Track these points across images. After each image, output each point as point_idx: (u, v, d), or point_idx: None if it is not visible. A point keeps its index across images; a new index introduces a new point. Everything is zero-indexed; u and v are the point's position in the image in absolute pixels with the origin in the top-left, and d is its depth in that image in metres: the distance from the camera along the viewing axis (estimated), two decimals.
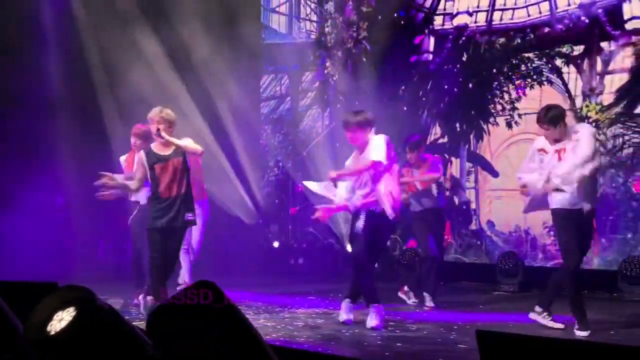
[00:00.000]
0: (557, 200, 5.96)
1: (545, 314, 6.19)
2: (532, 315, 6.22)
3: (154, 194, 6.45)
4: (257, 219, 11.33)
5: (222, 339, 1.72)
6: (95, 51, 9.49)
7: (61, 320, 1.76)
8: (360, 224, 6.23)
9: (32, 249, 8.80)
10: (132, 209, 7.51)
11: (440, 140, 10.24)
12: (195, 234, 7.69)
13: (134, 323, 1.98)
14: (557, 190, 5.90)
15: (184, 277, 7.69)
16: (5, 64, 9.02)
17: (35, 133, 9.23)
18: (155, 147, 6.55)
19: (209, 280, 1.80)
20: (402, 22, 10.50)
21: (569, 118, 9.04)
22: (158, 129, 6.43)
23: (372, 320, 6.16)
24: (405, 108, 10.21)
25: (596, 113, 8.79)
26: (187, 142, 6.64)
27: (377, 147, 6.16)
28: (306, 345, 5.38)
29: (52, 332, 1.76)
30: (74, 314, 1.76)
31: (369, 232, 6.22)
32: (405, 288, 7.90)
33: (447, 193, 9.72)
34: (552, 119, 5.93)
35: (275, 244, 11.65)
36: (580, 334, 5.88)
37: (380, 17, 10.71)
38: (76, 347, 1.74)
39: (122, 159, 7.75)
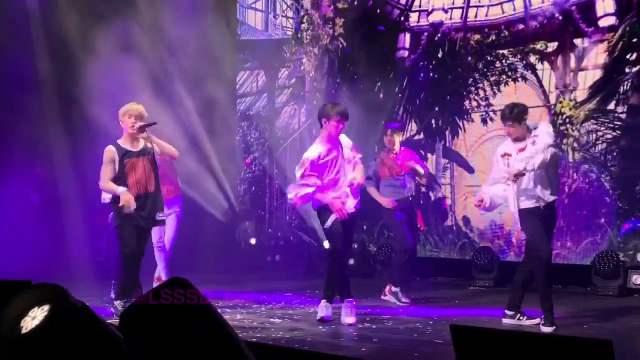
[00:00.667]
0: (523, 203, 6.05)
1: (518, 315, 6.25)
2: (505, 321, 6.26)
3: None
4: (232, 216, 11.30)
5: (198, 338, 1.72)
6: (75, 43, 9.38)
7: (34, 318, 1.75)
8: (333, 217, 6.25)
9: (6, 247, 8.72)
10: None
11: (416, 137, 10.29)
12: (169, 231, 7.66)
13: (108, 321, 1.98)
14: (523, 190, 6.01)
15: (160, 274, 7.66)
16: None
17: (9, 130, 9.13)
18: (123, 142, 6.46)
19: (183, 278, 1.80)
20: (378, 19, 10.52)
21: (544, 114, 9.15)
22: (140, 126, 6.37)
23: (348, 317, 6.18)
24: (381, 104, 10.23)
25: (570, 109, 8.87)
26: (166, 144, 6.65)
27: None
28: (283, 341, 5.39)
29: (25, 330, 1.75)
30: (47, 311, 1.75)
31: (343, 226, 6.25)
32: (393, 288, 7.63)
33: (423, 189, 9.77)
34: (516, 116, 6.06)
35: (252, 241, 11.63)
36: (546, 329, 5.94)
37: (356, 13, 10.72)
38: (50, 345, 1.73)
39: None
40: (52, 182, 9.22)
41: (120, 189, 6.25)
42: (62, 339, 1.74)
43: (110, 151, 6.38)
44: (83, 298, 2.01)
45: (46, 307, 1.76)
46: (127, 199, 6.20)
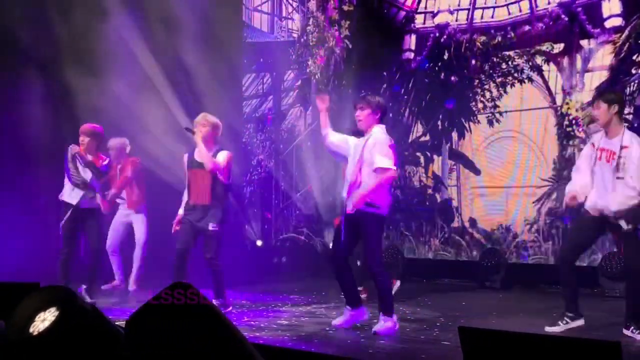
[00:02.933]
0: None
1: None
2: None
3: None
4: (238, 219, 11.31)
5: (203, 339, 1.72)
6: (74, 47, 9.39)
7: (44, 320, 1.76)
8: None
9: (13, 249, 8.73)
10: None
11: (422, 138, 10.28)
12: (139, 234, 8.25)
13: (116, 323, 1.98)
14: None
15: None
16: None
17: (15, 133, 9.14)
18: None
19: (185, 282, 1.80)
20: (384, 21, 10.52)
21: (550, 115, 9.13)
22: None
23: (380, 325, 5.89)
24: (387, 106, 10.20)
25: (576, 110, 8.85)
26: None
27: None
28: (290, 343, 5.39)
29: (35, 332, 1.75)
30: (56, 314, 1.75)
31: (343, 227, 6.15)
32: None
33: (430, 190, 9.77)
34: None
35: (259, 243, 11.64)
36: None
37: (361, 15, 10.73)
38: (59, 347, 1.74)
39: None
40: (60, 185, 9.23)
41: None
42: (72, 340, 1.75)
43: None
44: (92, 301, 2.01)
45: (55, 309, 1.77)
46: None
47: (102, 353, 1.79)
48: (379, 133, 6.00)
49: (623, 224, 5.53)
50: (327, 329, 6.10)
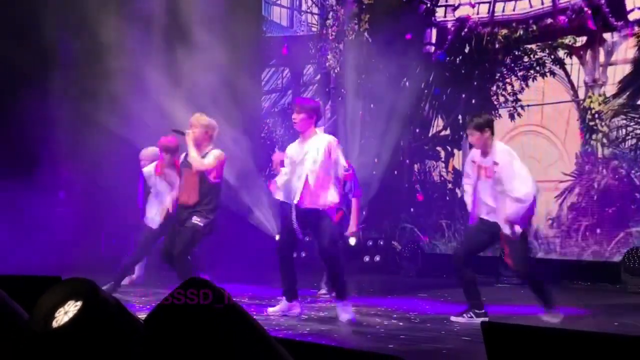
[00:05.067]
0: None
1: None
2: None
3: None
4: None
5: (225, 336, 1.69)
6: (97, 42, 9.43)
7: (67, 312, 1.75)
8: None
9: (34, 243, 8.79)
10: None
11: (443, 133, 10.22)
12: None
13: (140, 316, 1.97)
14: None
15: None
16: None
17: (35, 126, 9.19)
18: None
19: (200, 279, 1.76)
20: (404, 14, 10.46)
21: (572, 109, 9.03)
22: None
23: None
24: (407, 100, 10.17)
25: (599, 104, 8.76)
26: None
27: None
28: (310, 337, 5.38)
29: (58, 325, 1.74)
30: (79, 306, 1.74)
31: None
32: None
33: (450, 185, 9.72)
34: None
35: (277, 237, 11.61)
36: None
37: (381, 9, 10.68)
38: (82, 340, 1.73)
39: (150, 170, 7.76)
40: (80, 179, 9.29)
41: None
42: (94, 333, 1.74)
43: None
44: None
45: (78, 302, 1.76)
46: None
47: (125, 346, 1.78)
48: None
49: (507, 229, 5.97)
50: (346, 322, 6.08)
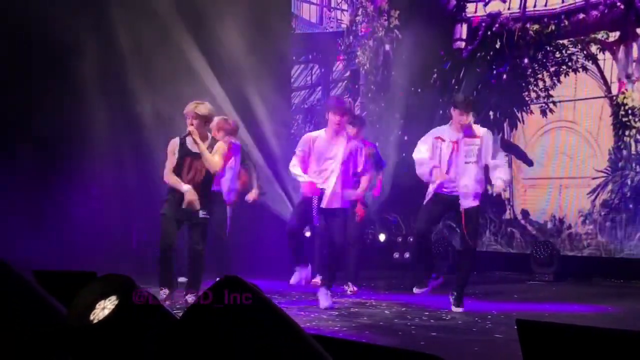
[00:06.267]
0: None
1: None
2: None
3: None
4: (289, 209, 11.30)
5: (262, 333, 1.69)
6: (128, 38, 9.50)
7: (104, 308, 1.77)
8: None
9: (67, 238, 8.88)
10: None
11: None
12: None
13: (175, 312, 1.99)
14: None
15: None
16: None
17: (67, 122, 9.28)
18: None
19: (233, 276, 1.75)
20: (434, 10, 10.41)
21: (605, 105, 8.92)
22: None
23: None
24: (437, 97, 10.12)
25: (632, 100, 8.65)
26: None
27: None
28: (341, 334, 5.38)
29: (95, 320, 1.77)
30: (116, 302, 1.76)
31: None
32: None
33: None
34: None
35: (307, 234, 11.62)
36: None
37: (411, 5, 10.63)
38: (119, 335, 1.75)
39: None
40: (112, 175, 9.35)
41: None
42: (132, 329, 1.76)
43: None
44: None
45: (115, 298, 1.78)
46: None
47: (160, 343, 1.79)
48: None
49: (467, 202, 6.41)
50: (378, 319, 6.08)
